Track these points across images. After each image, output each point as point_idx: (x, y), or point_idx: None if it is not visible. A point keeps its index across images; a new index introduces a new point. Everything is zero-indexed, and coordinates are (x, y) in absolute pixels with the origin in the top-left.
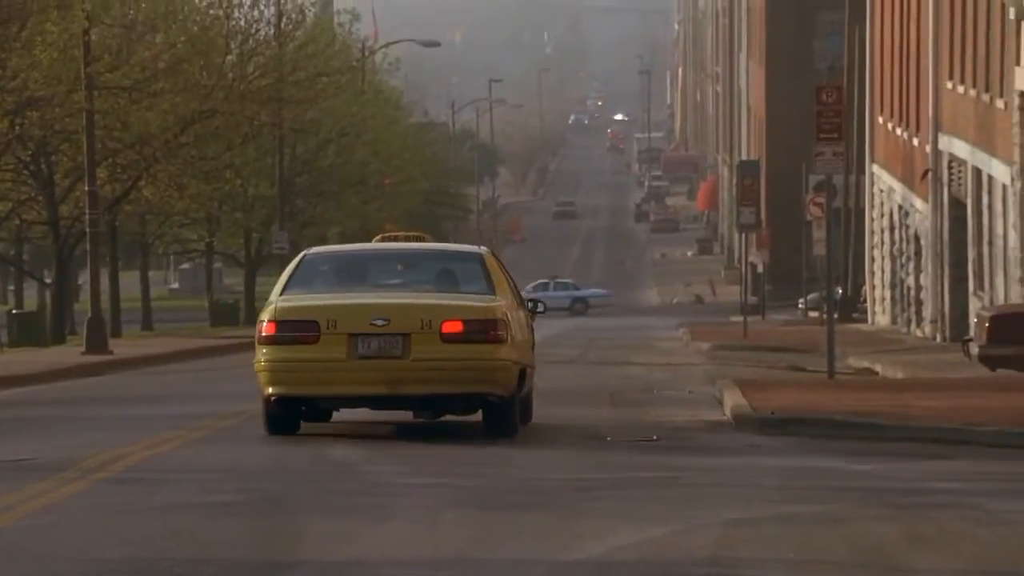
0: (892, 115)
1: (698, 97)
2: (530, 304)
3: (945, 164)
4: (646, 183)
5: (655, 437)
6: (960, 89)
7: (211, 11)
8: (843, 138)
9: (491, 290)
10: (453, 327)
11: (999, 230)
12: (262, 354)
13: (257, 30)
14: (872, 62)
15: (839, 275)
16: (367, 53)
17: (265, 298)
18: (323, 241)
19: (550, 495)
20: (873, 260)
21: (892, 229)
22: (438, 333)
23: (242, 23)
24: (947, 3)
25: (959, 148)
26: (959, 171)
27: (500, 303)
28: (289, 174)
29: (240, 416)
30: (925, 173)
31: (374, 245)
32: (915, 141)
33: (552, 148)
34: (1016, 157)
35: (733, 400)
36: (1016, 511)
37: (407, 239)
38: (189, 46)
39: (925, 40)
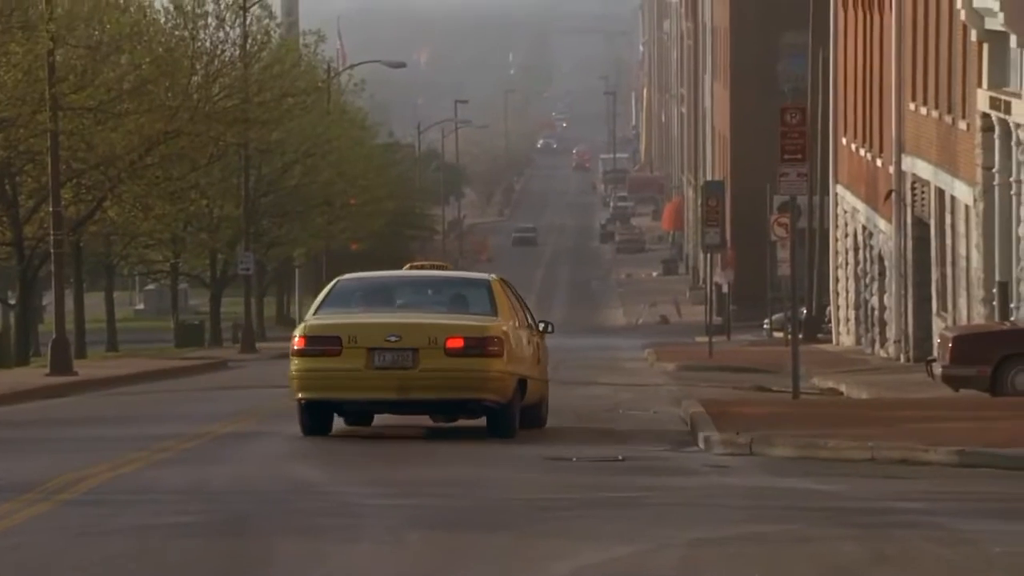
0: (856, 136)
1: (663, 118)
2: (541, 325)
3: (908, 185)
4: (611, 203)
5: (620, 457)
6: (923, 110)
7: (176, 32)
8: (807, 159)
9: (494, 312)
10: (455, 343)
11: (962, 251)
12: (293, 364)
13: (222, 51)
14: (836, 83)
15: (803, 295)
16: (332, 74)
17: (231, 318)
18: (288, 261)
19: (516, 515)
20: (837, 280)
21: (856, 249)
22: (443, 348)
23: (207, 44)
24: (909, 25)
25: (922, 169)
26: (922, 192)
27: (498, 323)
28: (254, 195)
29: (204, 437)
30: (889, 194)
31: (396, 272)
32: (878, 162)
33: (518, 168)
34: (978, 178)
35: (699, 420)
36: (978, 530)
37: (432, 267)
38: (154, 67)
39: (888, 62)
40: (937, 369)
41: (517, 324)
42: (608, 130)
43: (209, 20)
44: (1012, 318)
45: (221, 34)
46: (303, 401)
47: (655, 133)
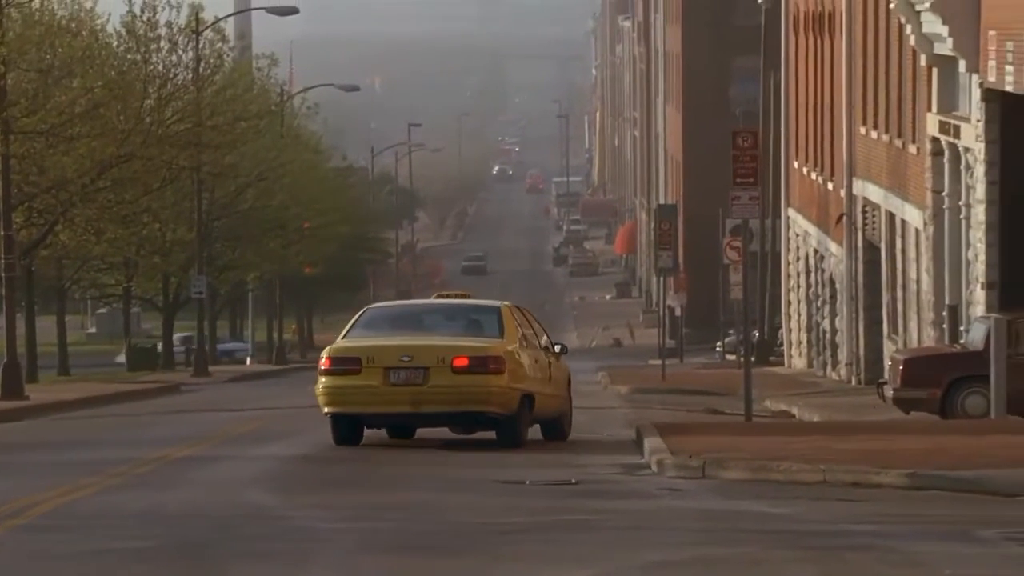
0: (807, 160)
1: (616, 142)
2: (557, 347)
3: (859, 208)
4: (564, 227)
5: (574, 480)
6: (873, 134)
7: (129, 55)
8: (759, 182)
9: (500, 334)
10: (461, 361)
11: (912, 274)
12: (321, 382)
13: (175, 74)
14: (787, 107)
15: (756, 318)
16: (286, 97)
17: (184, 341)
18: (241, 284)
19: (470, 539)
20: (789, 303)
21: (808, 273)
22: (450, 366)
23: (160, 67)
24: (860, 50)
25: (873, 193)
26: (873, 215)
27: (502, 344)
28: (207, 218)
29: (158, 462)
30: (840, 217)
31: (420, 301)
32: (830, 185)
33: (472, 192)
34: (928, 202)
35: (652, 443)
36: (929, 552)
37: (455, 296)
38: (106, 90)
39: (839, 86)
40: (888, 392)
41: (524, 345)
42: (561, 154)
43: (162, 44)
44: (962, 341)
45: (174, 57)
46: (331, 414)
47: (608, 157)
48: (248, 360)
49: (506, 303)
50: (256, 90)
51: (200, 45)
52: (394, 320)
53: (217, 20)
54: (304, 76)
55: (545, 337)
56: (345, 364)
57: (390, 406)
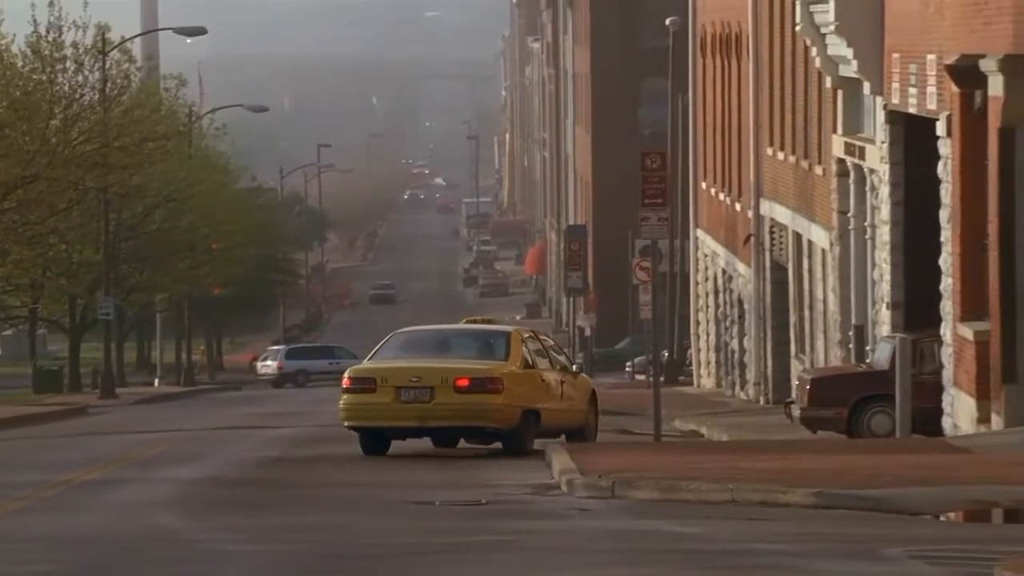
0: (715, 181)
1: (526, 162)
2: (575, 366)
3: (767, 229)
4: (474, 248)
5: (484, 501)
6: (780, 156)
7: (34, 76)
8: (668, 203)
9: (506, 357)
10: (463, 382)
11: (819, 294)
12: (342, 399)
13: (82, 95)
14: (695, 129)
15: (665, 338)
16: (194, 118)
17: (90, 364)
18: (149, 306)
19: (379, 561)
20: (698, 323)
21: (716, 293)
22: (453, 386)
23: (66, 88)
24: (766, 72)
25: (780, 213)
26: (780, 236)
27: (502, 366)
28: (115, 239)
29: (63, 485)
30: (747, 238)
31: (441, 326)
32: (737, 206)
33: (382, 213)
34: (834, 222)
35: (561, 463)
36: (834, 571)
37: (481, 322)
38: (11, 111)
39: (746, 107)
40: (795, 411)
41: (529, 366)
42: (471, 175)
43: (68, 64)
44: (868, 361)
45: (80, 78)
46: (349, 427)
47: (518, 177)
48: (156, 382)
49: (517, 328)
50: (164, 111)
51: (107, 65)
52: (414, 344)
53: (124, 40)
54: (213, 96)
55: (563, 357)
56: (362, 383)
57: (400, 421)
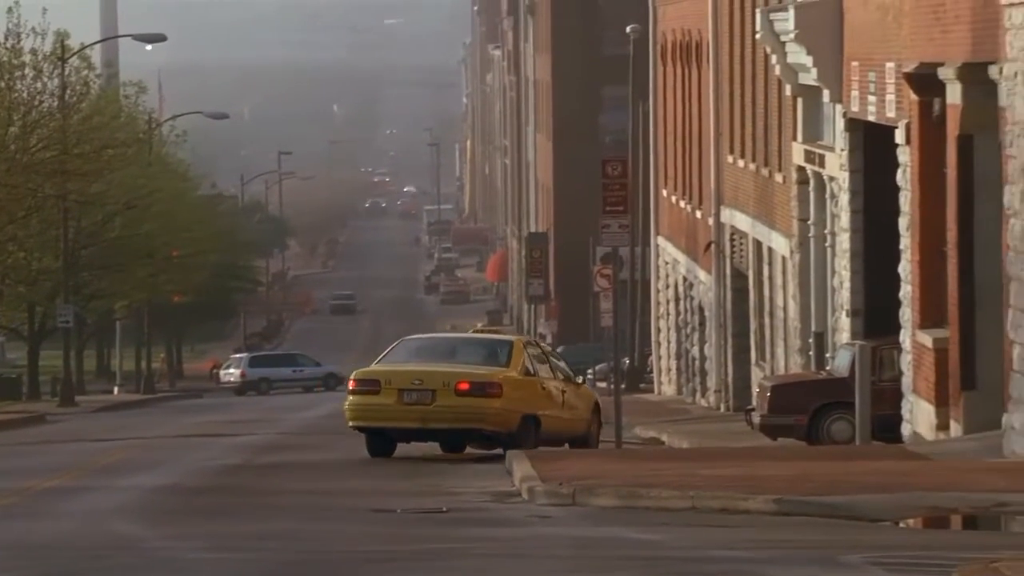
0: (676, 188)
1: (487, 170)
2: (580, 378)
3: (727, 236)
4: (436, 255)
5: (445, 508)
6: (740, 163)
7: None
8: (629, 211)
9: (507, 364)
10: (463, 386)
11: (779, 301)
12: (347, 400)
13: (41, 102)
14: (656, 136)
15: (626, 346)
16: (154, 125)
17: (49, 372)
18: (109, 313)
19: (340, 568)
20: (659, 331)
21: (677, 300)
22: (454, 390)
23: (25, 95)
24: (727, 80)
25: (740, 221)
26: (741, 243)
27: (502, 372)
28: (74, 247)
29: (22, 493)
30: (708, 245)
31: (447, 335)
32: (698, 214)
33: (343, 220)
34: (794, 230)
35: (522, 471)
36: None
37: (485, 330)
38: None
39: (706, 115)
40: (756, 418)
41: (531, 373)
42: (432, 181)
43: (26, 71)
44: (828, 367)
45: (39, 85)
46: (354, 427)
47: (479, 185)
48: (116, 390)
49: (521, 337)
50: (124, 118)
51: (66, 72)
52: (423, 350)
53: (83, 47)
54: (173, 104)
55: (563, 366)
56: (367, 385)
57: (402, 422)
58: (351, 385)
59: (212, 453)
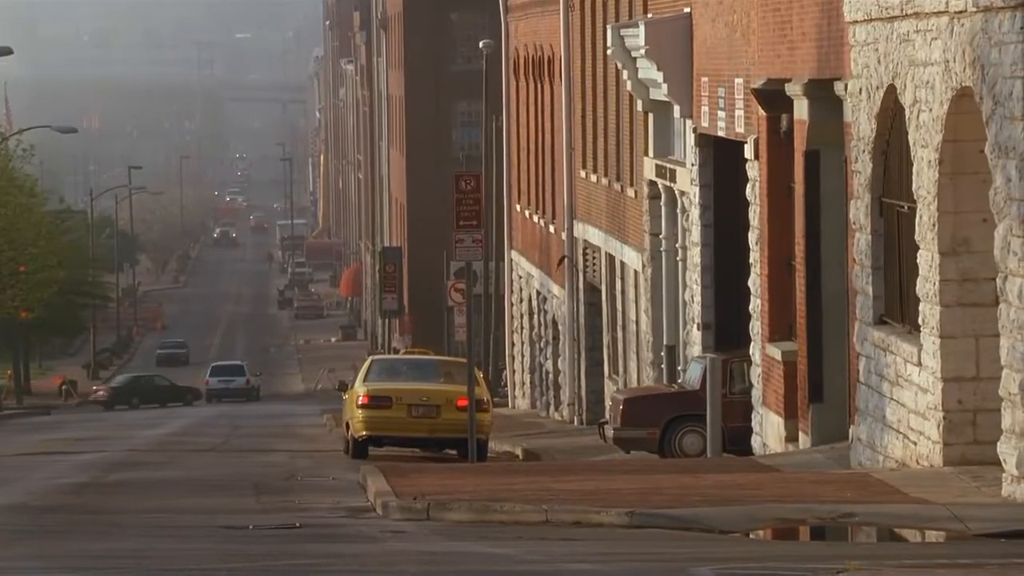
0: (529, 203)
1: (340, 184)
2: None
3: (580, 251)
4: (289, 270)
5: (298, 524)
6: (593, 178)
7: None
8: (482, 225)
9: (477, 384)
10: (463, 402)
11: (632, 315)
12: (360, 413)
13: None
14: (509, 151)
15: (480, 360)
16: (0, 139)
17: None
18: None
19: None
20: (513, 345)
21: (531, 314)
22: (455, 405)
23: None
24: (579, 95)
25: (593, 235)
26: (594, 257)
27: (484, 390)
28: None
29: None
30: (561, 260)
31: (407, 356)
32: (551, 228)
33: (194, 236)
34: (646, 244)
35: (376, 486)
36: None
37: (419, 352)
38: None
39: (559, 130)
40: (609, 431)
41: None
42: (285, 196)
43: None
44: (679, 381)
45: None
46: (363, 437)
47: (333, 199)
48: None
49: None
50: None
51: None
52: (395, 369)
53: None
54: (20, 118)
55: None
56: (380, 401)
57: (412, 432)
58: (363, 400)
59: (60, 471)
